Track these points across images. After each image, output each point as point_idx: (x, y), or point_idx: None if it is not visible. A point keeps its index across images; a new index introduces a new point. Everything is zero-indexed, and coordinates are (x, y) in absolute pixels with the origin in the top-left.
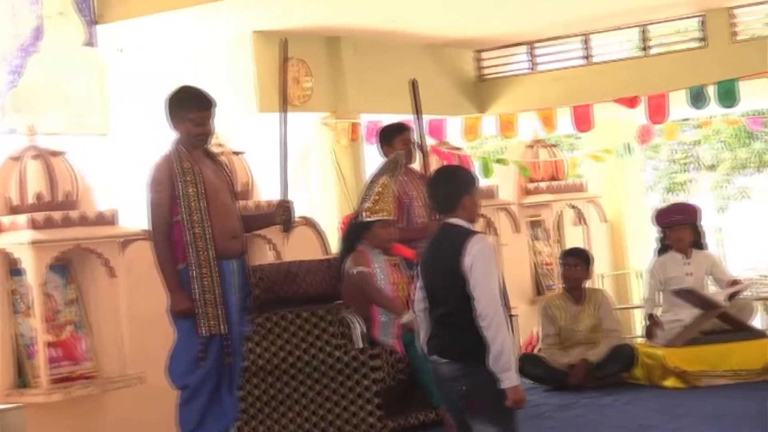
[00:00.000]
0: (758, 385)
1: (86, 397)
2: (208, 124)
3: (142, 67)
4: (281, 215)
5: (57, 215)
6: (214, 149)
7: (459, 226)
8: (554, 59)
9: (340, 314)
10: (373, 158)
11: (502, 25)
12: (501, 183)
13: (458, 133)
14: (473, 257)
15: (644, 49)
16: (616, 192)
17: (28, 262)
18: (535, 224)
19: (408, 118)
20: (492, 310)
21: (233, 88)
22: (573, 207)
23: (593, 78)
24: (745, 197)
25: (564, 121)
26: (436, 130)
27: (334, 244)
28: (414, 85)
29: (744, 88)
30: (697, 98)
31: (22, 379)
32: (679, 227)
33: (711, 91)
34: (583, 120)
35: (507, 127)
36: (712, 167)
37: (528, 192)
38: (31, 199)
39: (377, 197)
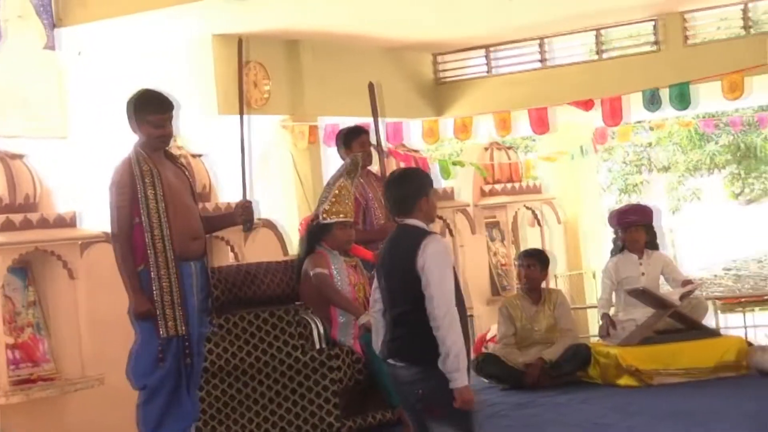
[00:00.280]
0: (710, 383)
1: (46, 399)
2: (168, 127)
3: (101, 70)
4: (242, 215)
5: (16, 218)
6: (174, 151)
7: (415, 227)
8: (511, 63)
9: (299, 315)
10: (332, 161)
11: (459, 29)
12: (458, 185)
13: (417, 136)
14: (427, 257)
15: (599, 52)
16: (572, 193)
17: None
18: (492, 225)
19: (367, 120)
20: (443, 310)
21: (193, 90)
22: (529, 208)
23: (549, 81)
24: (697, 199)
25: (521, 123)
26: (395, 132)
27: (294, 246)
28: (372, 89)
29: (696, 91)
30: (652, 101)
31: None
32: (634, 228)
33: (665, 94)
34: (540, 123)
35: (462, 129)
36: (665, 169)
37: (485, 194)
38: None
39: (335, 199)
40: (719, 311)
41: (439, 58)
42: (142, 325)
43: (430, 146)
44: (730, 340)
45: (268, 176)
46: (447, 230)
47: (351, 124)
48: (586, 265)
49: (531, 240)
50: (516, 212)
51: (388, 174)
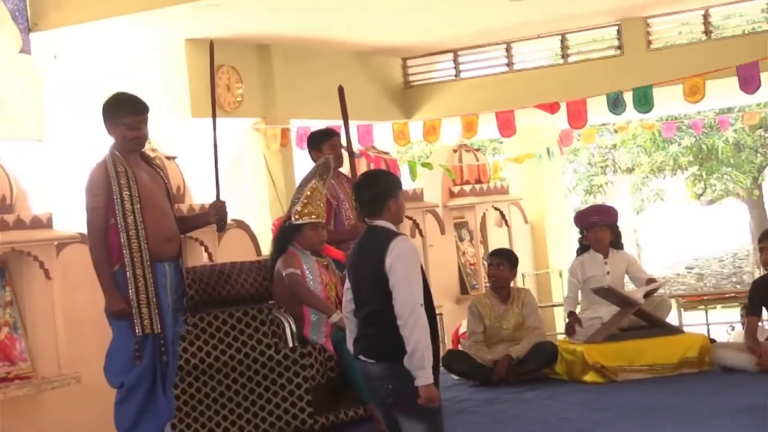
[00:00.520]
0: (674, 379)
1: (23, 398)
2: (143, 129)
3: (76, 74)
4: (215, 215)
5: None
6: (148, 153)
7: (384, 228)
8: (478, 66)
9: (271, 314)
10: (304, 163)
11: (428, 34)
12: (427, 186)
13: (387, 138)
14: (394, 258)
15: (564, 57)
16: (538, 194)
17: None
18: (460, 226)
19: (337, 123)
20: (408, 309)
21: (167, 94)
22: (497, 209)
23: (515, 85)
24: (660, 199)
25: (488, 126)
26: (365, 135)
27: (266, 246)
28: (341, 92)
29: (659, 94)
30: (615, 104)
31: None
32: (598, 228)
33: (628, 97)
34: (506, 125)
35: (430, 131)
36: (629, 170)
37: (453, 195)
38: None
39: (307, 200)
40: (682, 309)
41: (409, 62)
42: (118, 324)
43: (400, 148)
44: (693, 337)
45: (241, 178)
46: (416, 230)
47: (322, 127)
48: (552, 264)
49: (498, 240)
50: (484, 213)
51: (358, 175)
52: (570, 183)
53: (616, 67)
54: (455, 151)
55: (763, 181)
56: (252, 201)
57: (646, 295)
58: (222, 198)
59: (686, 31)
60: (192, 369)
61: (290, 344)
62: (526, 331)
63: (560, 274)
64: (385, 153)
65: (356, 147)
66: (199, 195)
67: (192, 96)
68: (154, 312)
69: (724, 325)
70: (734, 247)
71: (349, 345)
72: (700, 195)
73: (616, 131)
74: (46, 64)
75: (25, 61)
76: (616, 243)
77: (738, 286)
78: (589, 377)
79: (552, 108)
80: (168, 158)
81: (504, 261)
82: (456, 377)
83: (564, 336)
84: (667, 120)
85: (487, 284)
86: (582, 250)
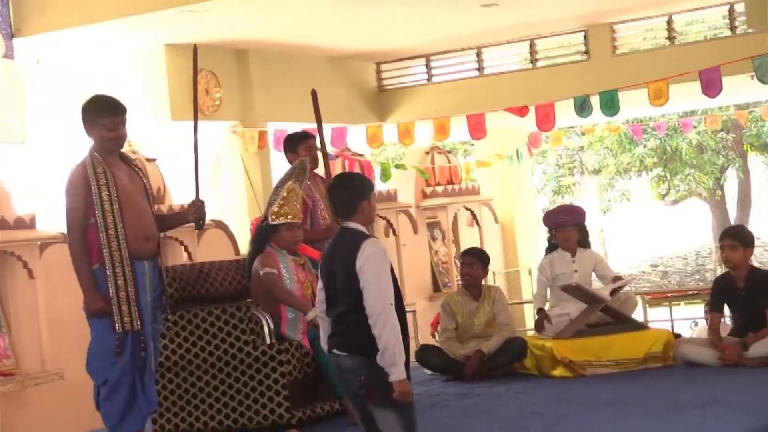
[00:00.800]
0: (639, 373)
1: (6, 394)
2: (120, 129)
3: (58, 78)
4: (194, 213)
5: None
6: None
7: (354, 230)
8: (449, 71)
9: (249, 312)
10: (280, 165)
11: (400, 39)
12: (400, 187)
13: (361, 141)
14: (364, 260)
15: (532, 62)
16: (508, 195)
17: None
18: (432, 225)
19: (313, 126)
20: (379, 308)
21: (147, 97)
22: (468, 209)
23: (485, 89)
24: (626, 200)
25: (459, 129)
26: (338, 137)
27: (245, 246)
28: (314, 95)
29: (624, 97)
30: (582, 107)
31: None
32: (566, 228)
33: (594, 100)
34: (476, 128)
35: (405, 134)
36: (596, 171)
37: (426, 195)
38: None
39: (283, 201)
40: (647, 305)
41: (382, 67)
42: (97, 323)
43: (374, 150)
44: (658, 332)
45: (220, 179)
46: (390, 230)
47: (298, 130)
48: (521, 263)
49: (470, 239)
50: (455, 213)
51: (332, 176)
52: (539, 184)
53: (583, 72)
54: (428, 153)
55: (725, 182)
56: (230, 202)
57: (613, 293)
58: (201, 198)
59: (650, 36)
60: (172, 365)
61: (268, 341)
62: (496, 328)
63: (529, 272)
64: (360, 155)
65: (331, 149)
66: (179, 196)
67: (171, 99)
68: (134, 309)
69: (687, 321)
70: (697, 245)
71: (323, 343)
72: (665, 195)
73: (583, 134)
74: (29, 68)
75: (9, 66)
76: (584, 242)
77: (701, 284)
78: (558, 372)
79: (521, 111)
80: (148, 160)
81: (476, 260)
82: (429, 372)
83: (533, 332)
84: (632, 123)
85: (459, 282)
86: (551, 248)
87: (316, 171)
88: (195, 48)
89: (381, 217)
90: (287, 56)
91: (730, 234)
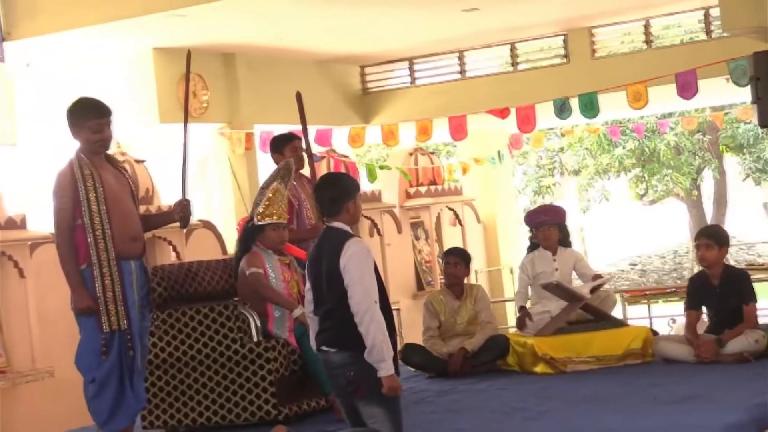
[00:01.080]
0: (619, 369)
1: None
2: (106, 131)
3: (48, 81)
4: (179, 212)
5: None
6: (118, 158)
7: (339, 230)
8: (432, 74)
9: (237, 310)
10: (267, 166)
11: (384, 43)
12: (384, 187)
13: (344, 142)
14: (347, 259)
15: (513, 65)
16: (490, 195)
17: None
18: (416, 225)
19: (299, 128)
20: (363, 306)
21: (135, 100)
22: (451, 209)
23: (467, 91)
24: (606, 200)
25: (442, 130)
26: (323, 138)
27: (232, 245)
28: (299, 98)
29: (604, 100)
30: (562, 109)
31: None
32: (547, 227)
33: (574, 103)
34: (458, 130)
35: (389, 136)
36: (576, 172)
37: (409, 196)
38: None
39: (269, 202)
40: (626, 303)
41: (366, 70)
42: (85, 321)
43: (358, 152)
44: (637, 329)
45: (208, 180)
46: (375, 230)
47: (284, 131)
48: (503, 262)
49: (452, 238)
50: (438, 213)
51: (318, 177)
52: (520, 184)
53: (562, 75)
54: (411, 154)
55: (701, 183)
56: (218, 202)
57: (593, 291)
58: (188, 197)
59: (628, 40)
60: (161, 363)
61: (255, 339)
62: (479, 326)
63: (511, 271)
64: (345, 156)
65: (317, 150)
66: (167, 197)
67: (160, 102)
68: (121, 309)
69: (665, 318)
70: (674, 244)
71: (312, 341)
72: (643, 195)
73: (563, 135)
74: (20, 71)
75: None
76: (564, 241)
77: (678, 282)
78: (539, 368)
79: (502, 113)
80: (137, 161)
81: (459, 260)
82: (412, 369)
83: (515, 329)
84: (612, 124)
85: (443, 281)
86: (532, 247)
87: (302, 171)
88: (189, 54)
89: (366, 217)
90: (273, 60)
91: (705, 233)
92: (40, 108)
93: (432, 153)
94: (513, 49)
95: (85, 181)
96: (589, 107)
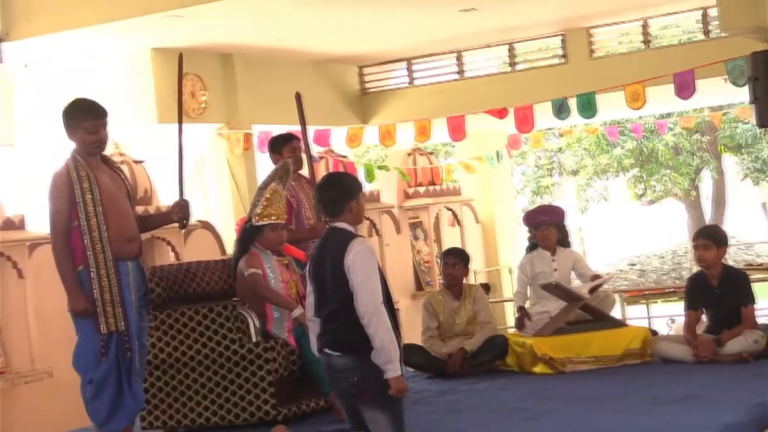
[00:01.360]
0: (618, 370)
1: None
2: (101, 132)
3: (46, 82)
4: (178, 213)
5: None
6: (116, 158)
7: (343, 230)
8: (430, 74)
9: (236, 310)
10: (265, 166)
11: (382, 43)
12: (383, 188)
13: (342, 142)
14: (353, 259)
15: (511, 65)
16: (488, 195)
17: None
18: (415, 225)
19: (297, 128)
20: (371, 307)
21: (134, 100)
22: (449, 209)
23: (466, 91)
24: (604, 200)
25: (440, 130)
26: (322, 139)
27: (231, 246)
28: (299, 98)
29: (602, 100)
30: (560, 110)
31: None
32: (546, 227)
33: (572, 103)
34: (457, 130)
35: (387, 136)
36: (574, 172)
37: (408, 196)
38: None
39: (267, 203)
40: (625, 303)
41: (365, 70)
42: (82, 323)
43: (357, 152)
44: (635, 329)
45: (206, 181)
46: (374, 230)
47: (283, 132)
48: (502, 262)
49: (451, 239)
50: (437, 213)
51: (318, 177)
52: (518, 185)
53: (561, 75)
54: (409, 154)
55: (700, 183)
56: (216, 203)
57: (592, 291)
58: (186, 198)
59: (626, 40)
60: (160, 363)
61: (254, 339)
62: (478, 326)
63: (510, 271)
64: (343, 156)
65: (315, 151)
66: (166, 197)
67: (158, 102)
68: (118, 310)
69: (664, 318)
70: (673, 244)
71: (313, 344)
72: (641, 195)
73: (561, 135)
74: (18, 72)
75: None
76: (563, 241)
77: (677, 282)
78: (538, 369)
79: (501, 113)
80: (136, 162)
81: (458, 260)
82: (412, 369)
83: (514, 330)
84: (610, 124)
85: (441, 281)
86: (531, 248)
87: (300, 172)
88: (180, 56)
89: (365, 217)
90: (272, 60)
91: (703, 234)
92: (39, 108)
93: (430, 153)
94: (511, 49)
95: (81, 183)
96: (588, 107)
